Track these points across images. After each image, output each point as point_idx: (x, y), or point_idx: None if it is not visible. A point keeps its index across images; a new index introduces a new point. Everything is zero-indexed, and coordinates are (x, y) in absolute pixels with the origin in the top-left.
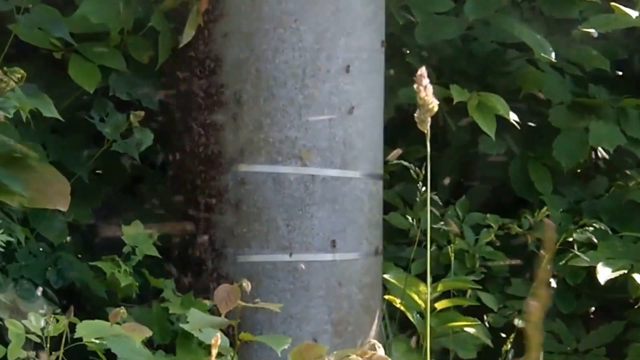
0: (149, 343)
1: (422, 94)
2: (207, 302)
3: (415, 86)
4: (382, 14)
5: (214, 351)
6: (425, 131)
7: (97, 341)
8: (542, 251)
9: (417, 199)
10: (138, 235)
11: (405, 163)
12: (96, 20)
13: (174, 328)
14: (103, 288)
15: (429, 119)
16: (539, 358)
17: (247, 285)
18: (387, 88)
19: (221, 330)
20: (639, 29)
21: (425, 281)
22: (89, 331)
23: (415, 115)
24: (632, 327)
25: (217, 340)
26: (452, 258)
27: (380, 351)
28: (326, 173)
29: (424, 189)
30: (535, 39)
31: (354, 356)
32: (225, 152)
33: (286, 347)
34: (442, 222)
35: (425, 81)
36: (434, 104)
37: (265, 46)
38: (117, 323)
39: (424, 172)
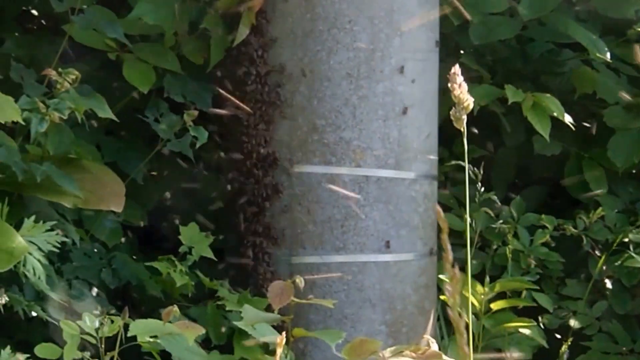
0: (205, 343)
1: (457, 92)
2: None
3: (449, 84)
4: (437, 14)
5: (279, 350)
6: (462, 129)
7: (151, 340)
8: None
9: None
10: (194, 236)
11: (462, 163)
12: (152, 21)
13: (230, 327)
14: (159, 288)
15: (465, 117)
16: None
17: (300, 281)
18: (442, 88)
19: (274, 327)
20: None
21: (480, 282)
22: (142, 330)
23: (450, 113)
24: None
25: (282, 340)
26: (510, 259)
27: (434, 346)
28: (380, 174)
29: (482, 189)
30: (590, 38)
31: (407, 351)
32: (279, 152)
33: (340, 341)
34: (498, 222)
35: (460, 79)
36: (469, 101)
37: (319, 47)
38: (170, 322)
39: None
